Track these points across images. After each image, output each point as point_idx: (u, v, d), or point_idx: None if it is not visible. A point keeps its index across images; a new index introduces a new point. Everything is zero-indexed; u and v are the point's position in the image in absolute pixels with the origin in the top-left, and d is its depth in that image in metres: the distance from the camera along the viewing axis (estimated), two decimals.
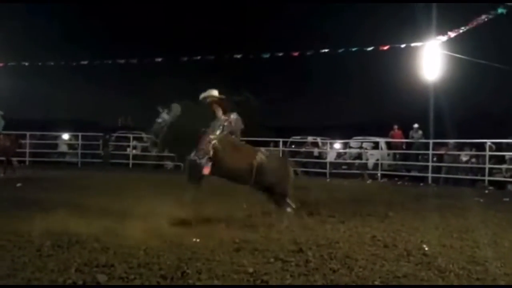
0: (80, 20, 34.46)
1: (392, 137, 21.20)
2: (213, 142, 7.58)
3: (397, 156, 20.75)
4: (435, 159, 18.47)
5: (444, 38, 19.04)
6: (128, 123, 36.05)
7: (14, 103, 26.39)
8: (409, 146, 20.60)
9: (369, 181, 18.47)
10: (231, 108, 8.06)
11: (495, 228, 7.80)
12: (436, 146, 18.71)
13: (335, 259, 5.43)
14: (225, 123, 7.90)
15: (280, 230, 6.94)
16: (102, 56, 25.68)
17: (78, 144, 22.85)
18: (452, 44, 19.28)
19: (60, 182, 13.46)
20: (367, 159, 20.72)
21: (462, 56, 19.54)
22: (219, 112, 8.03)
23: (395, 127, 21.14)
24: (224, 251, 5.61)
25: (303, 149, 22.61)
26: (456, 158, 18.16)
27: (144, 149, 22.45)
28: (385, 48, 20.42)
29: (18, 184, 12.47)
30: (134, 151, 22.80)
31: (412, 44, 19.74)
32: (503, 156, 17.23)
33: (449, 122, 19.32)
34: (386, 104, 34.37)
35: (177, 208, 7.39)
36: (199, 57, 22.60)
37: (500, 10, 17.42)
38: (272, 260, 5.29)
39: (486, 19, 17.77)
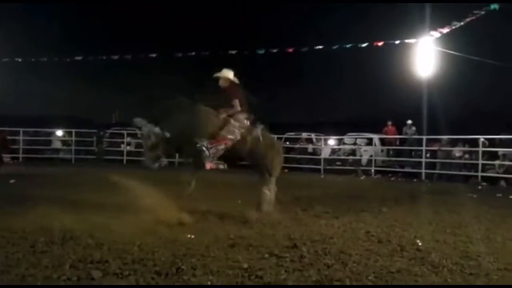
0: (74, 16, 34.33)
1: (386, 133, 21.24)
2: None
3: (391, 152, 20.81)
4: (428, 155, 18.53)
5: (437, 34, 19.10)
6: (121, 119, 35.97)
7: (7, 99, 26.26)
8: (403, 142, 20.67)
9: (363, 177, 18.53)
10: (247, 100, 7.98)
11: (488, 223, 7.84)
12: (430, 142, 18.78)
13: (329, 254, 5.44)
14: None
15: (274, 226, 6.96)
16: (96, 52, 25.59)
17: (72, 140, 22.80)
18: (446, 40, 19.36)
19: (53, 178, 13.40)
20: (361, 155, 20.74)
21: (456, 53, 19.60)
22: (237, 104, 7.85)
23: (389, 123, 21.19)
24: (218, 247, 5.61)
25: (297, 146, 22.63)
26: (449, 154, 18.23)
27: (138, 145, 22.41)
28: (380, 44, 20.45)
29: (12, 181, 12.43)
30: (128, 148, 22.75)
31: (406, 41, 19.78)
32: (496, 152, 17.30)
33: (443, 118, 19.39)
34: (380, 100, 34.51)
35: (172, 205, 7.40)
36: (193, 53, 22.57)
37: (492, 6, 17.49)
38: (266, 255, 5.30)
39: (479, 15, 17.83)
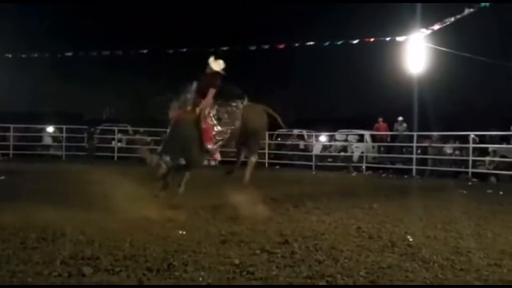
0: (64, 11, 34.03)
1: (377, 129, 21.32)
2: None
3: (382, 148, 20.88)
4: (419, 151, 18.61)
5: (428, 31, 19.16)
6: (112, 116, 35.87)
7: None
8: (394, 138, 20.75)
9: (354, 174, 18.59)
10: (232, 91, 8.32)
11: (478, 219, 7.88)
12: (420, 138, 18.85)
13: (320, 250, 5.45)
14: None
15: (265, 222, 6.97)
16: (86, 48, 25.46)
17: (62, 136, 22.69)
18: (437, 37, 19.43)
19: (44, 174, 13.32)
20: (352, 152, 20.82)
21: (447, 49, 19.68)
22: (211, 93, 8.07)
23: (380, 119, 21.28)
24: (210, 243, 5.60)
25: (289, 142, 22.66)
26: (440, 151, 18.32)
27: (129, 142, 22.37)
28: (371, 40, 20.50)
29: (2, 177, 12.35)
30: (119, 144, 22.68)
31: (397, 38, 19.84)
32: (486, 148, 17.43)
33: (433, 115, 19.49)
34: (371, 97, 34.54)
35: (163, 201, 7.38)
36: (184, 49, 22.51)
37: (483, 4, 17.57)
38: (258, 251, 5.30)
39: (470, 12, 17.90)
